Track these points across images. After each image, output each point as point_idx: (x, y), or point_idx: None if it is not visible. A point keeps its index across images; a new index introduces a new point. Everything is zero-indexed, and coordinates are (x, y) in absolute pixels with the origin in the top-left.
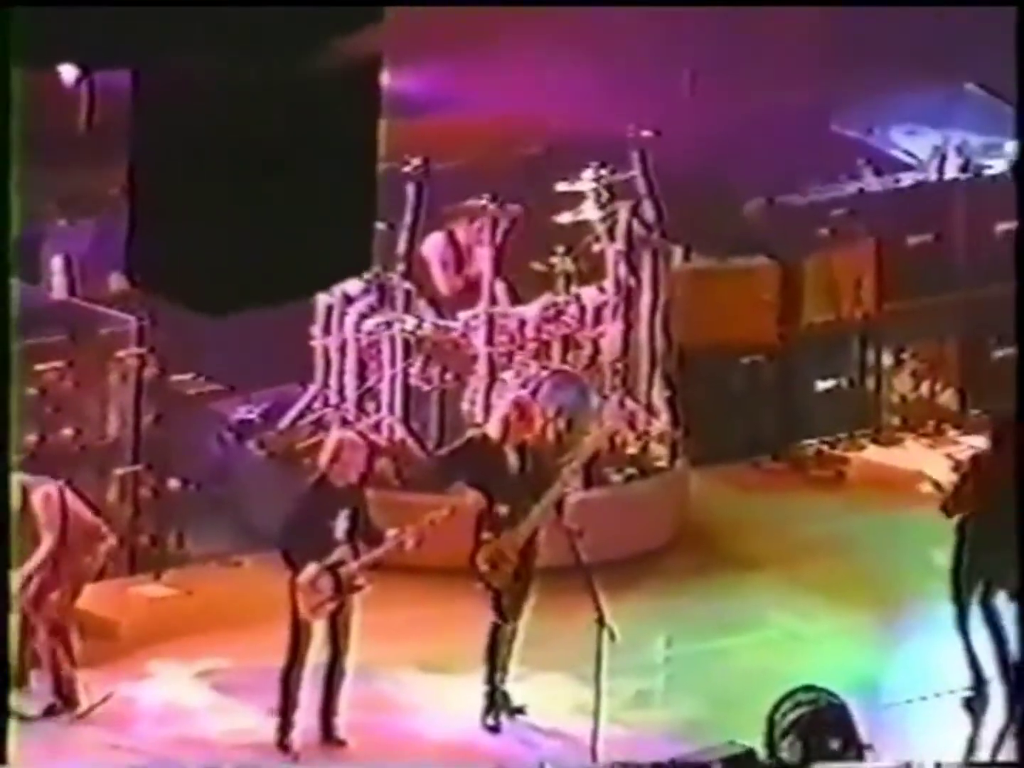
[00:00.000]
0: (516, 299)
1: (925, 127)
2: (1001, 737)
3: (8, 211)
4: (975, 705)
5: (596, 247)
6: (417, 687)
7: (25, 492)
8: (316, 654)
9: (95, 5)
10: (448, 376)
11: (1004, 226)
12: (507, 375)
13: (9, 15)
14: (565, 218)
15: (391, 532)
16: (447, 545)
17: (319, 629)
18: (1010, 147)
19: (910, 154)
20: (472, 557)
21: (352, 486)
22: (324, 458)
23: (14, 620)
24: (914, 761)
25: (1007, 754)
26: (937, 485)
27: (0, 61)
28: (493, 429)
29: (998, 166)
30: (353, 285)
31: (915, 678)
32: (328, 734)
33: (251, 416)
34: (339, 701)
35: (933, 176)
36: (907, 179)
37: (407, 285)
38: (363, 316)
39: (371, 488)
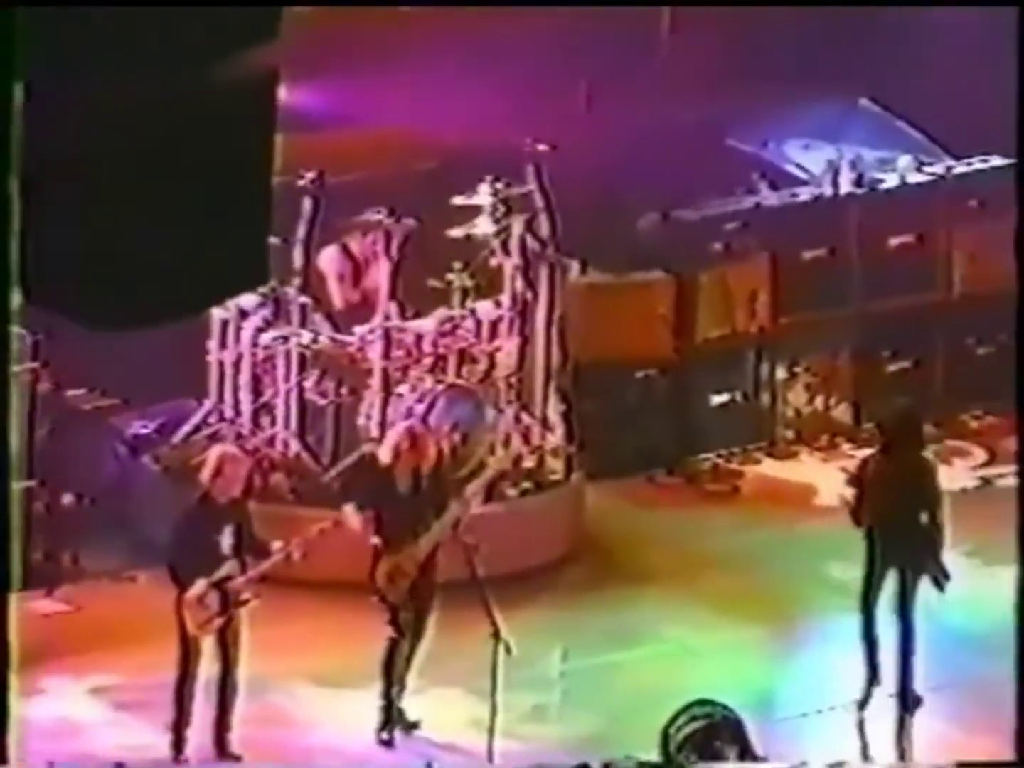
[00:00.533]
0: (408, 313)
1: (819, 141)
2: (899, 741)
3: (8, 212)
4: (866, 712)
5: (492, 261)
6: (312, 701)
7: None
8: (207, 669)
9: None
10: (344, 390)
11: (897, 240)
12: (403, 389)
13: (12, 16)
14: (459, 232)
15: (277, 545)
16: (346, 559)
17: (208, 645)
18: (903, 162)
19: (804, 168)
20: (371, 572)
21: (236, 500)
22: (206, 474)
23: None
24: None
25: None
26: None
27: (1, 63)
28: (384, 455)
29: (891, 180)
30: (248, 299)
31: (810, 691)
32: (222, 749)
33: (146, 431)
34: (232, 716)
35: (827, 190)
36: (802, 193)
37: (303, 299)
38: (259, 330)
39: (262, 502)
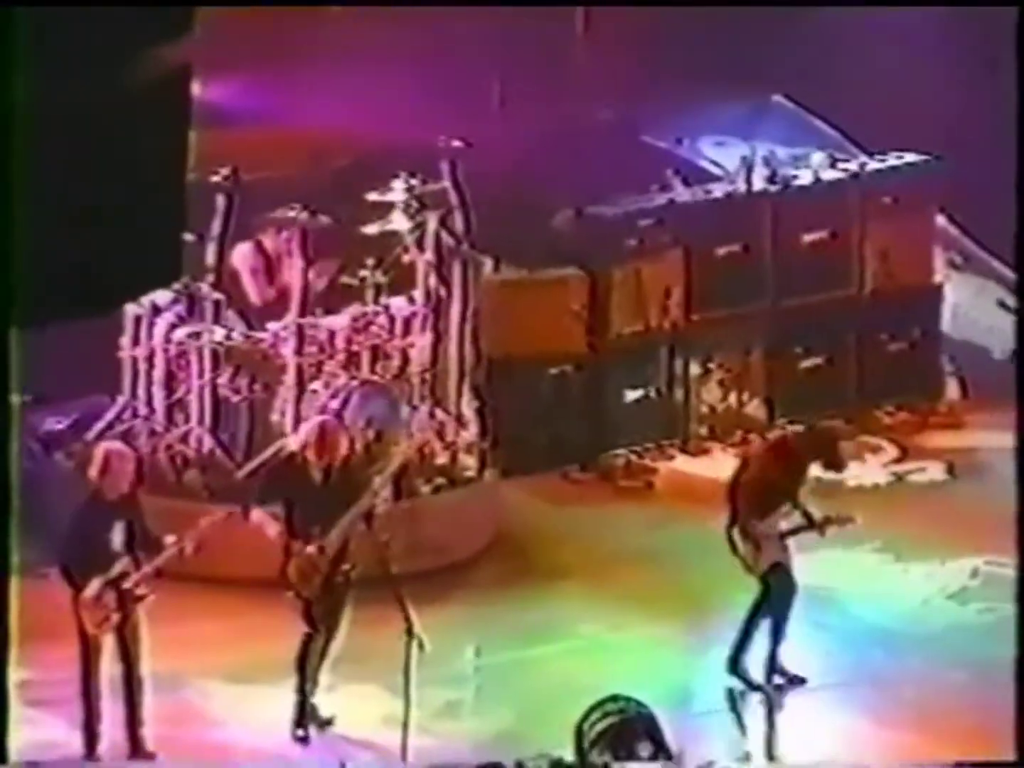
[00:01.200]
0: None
1: (733, 138)
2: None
3: (9, 211)
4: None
5: (406, 258)
6: (227, 698)
7: None
8: (111, 667)
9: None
10: (257, 387)
11: (811, 237)
12: (316, 385)
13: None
14: (373, 229)
15: (169, 539)
16: (259, 556)
17: (109, 642)
18: (816, 158)
19: (718, 165)
20: (283, 568)
21: (125, 497)
22: (94, 471)
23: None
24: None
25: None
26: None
27: (2, 62)
28: (297, 448)
29: (805, 177)
30: (162, 296)
31: (724, 687)
32: (136, 746)
33: (59, 427)
34: (143, 712)
35: (741, 187)
36: (715, 190)
37: (216, 295)
38: (172, 327)
39: (175, 498)
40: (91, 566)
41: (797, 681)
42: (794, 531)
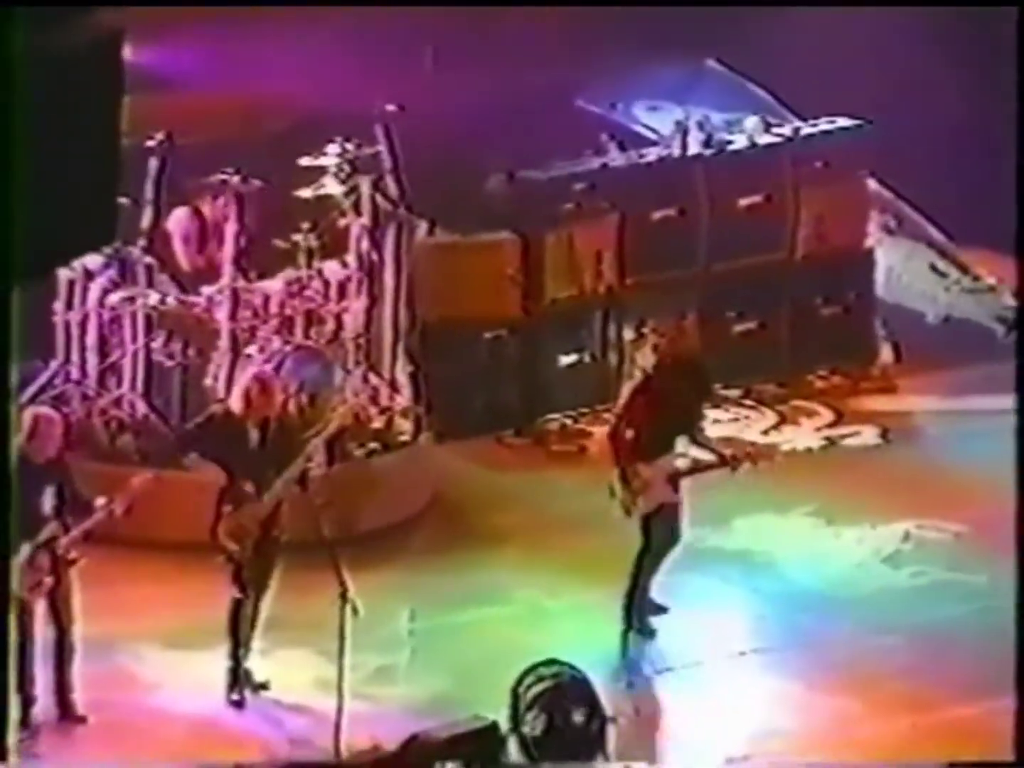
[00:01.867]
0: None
1: (667, 103)
2: None
3: (9, 211)
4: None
5: (341, 222)
6: (160, 663)
7: None
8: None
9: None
10: (191, 351)
11: (745, 201)
12: (251, 350)
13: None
14: (307, 193)
15: (100, 502)
16: (189, 519)
17: (40, 607)
18: (750, 123)
19: (652, 129)
20: (213, 530)
21: (53, 460)
22: (21, 436)
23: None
24: None
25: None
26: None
27: (1, 62)
28: (234, 404)
29: (739, 141)
30: (94, 260)
31: (658, 651)
32: (65, 711)
33: None
34: (72, 677)
35: (675, 151)
36: (650, 154)
37: (149, 260)
38: (105, 291)
39: (108, 463)
40: (22, 531)
41: (660, 610)
42: (699, 469)
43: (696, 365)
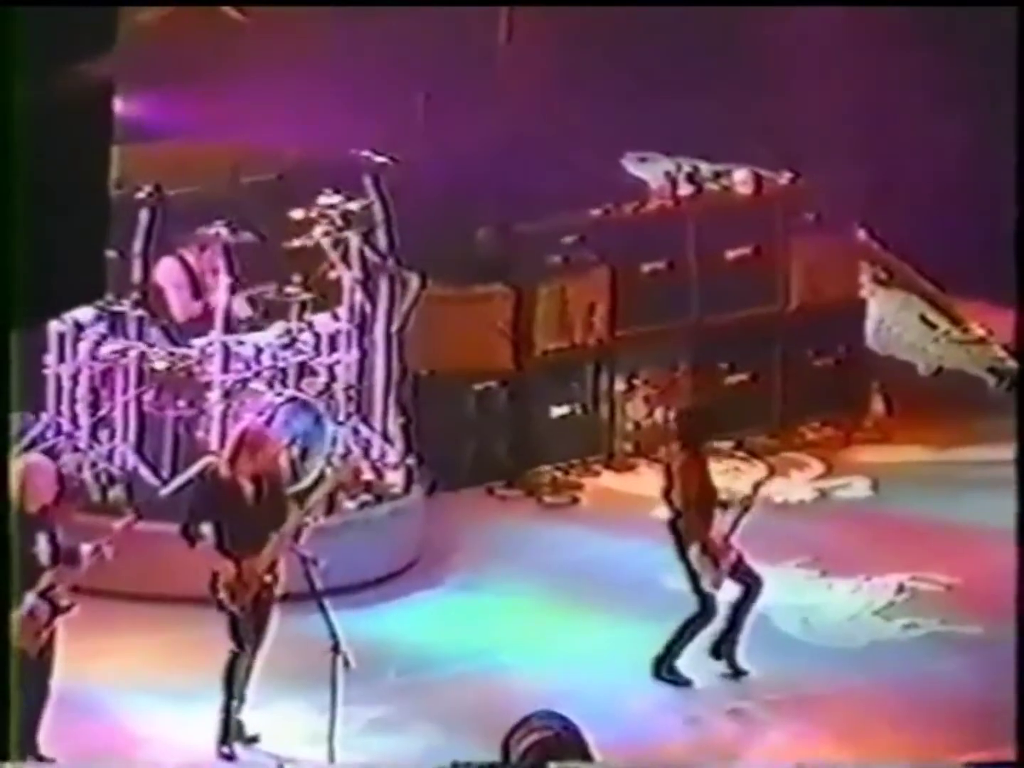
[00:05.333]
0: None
1: (657, 154)
2: None
3: (9, 214)
4: None
5: (331, 274)
6: (153, 715)
7: None
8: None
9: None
10: (182, 404)
11: (735, 253)
12: (242, 402)
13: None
14: (297, 244)
15: (86, 548)
16: (188, 573)
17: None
18: (739, 175)
19: (642, 181)
20: (212, 584)
21: (46, 509)
22: (14, 485)
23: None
24: None
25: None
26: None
27: (1, 61)
28: (228, 457)
29: (729, 193)
30: (85, 312)
31: (651, 695)
32: (31, 751)
33: None
34: (42, 718)
35: (666, 203)
36: (640, 206)
37: (140, 312)
38: (96, 344)
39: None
40: (20, 581)
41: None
42: (739, 518)
43: (705, 411)
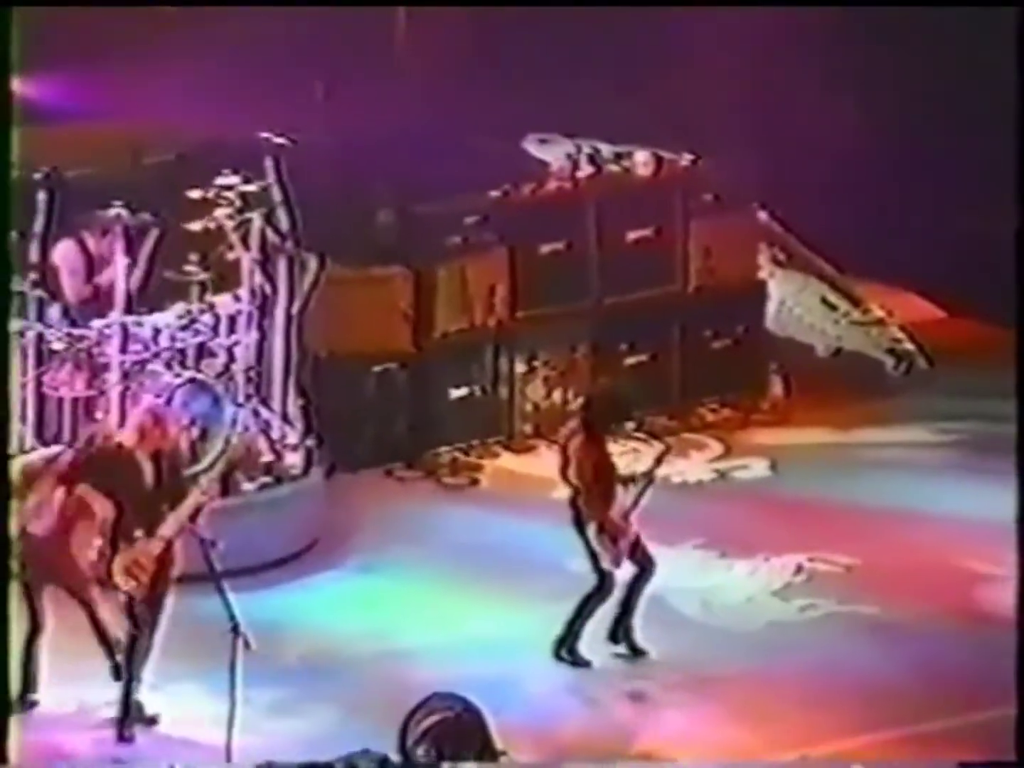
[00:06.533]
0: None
1: (558, 135)
2: None
3: (8, 211)
4: None
5: (230, 255)
6: (51, 697)
7: None
8: None
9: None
10: (81, 385)
11: (635, 234)
12: (141, 384)
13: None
14: (197, 226)
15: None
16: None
17: None
18: (640, 157)
19: (543, 162)
20: (108, 565)
21: None
22: None
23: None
24: None
25: None
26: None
27: (0, 61)
28: (127, 437)
29: (629, 174)
30: None
31: (552, 681)
32: None
33: None
34: None
35: (566, 184)
36: (540, 187)
37: (39, 293)
38: None
39: None
40: None
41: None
42: (640, 495)
43: (616, 396)
